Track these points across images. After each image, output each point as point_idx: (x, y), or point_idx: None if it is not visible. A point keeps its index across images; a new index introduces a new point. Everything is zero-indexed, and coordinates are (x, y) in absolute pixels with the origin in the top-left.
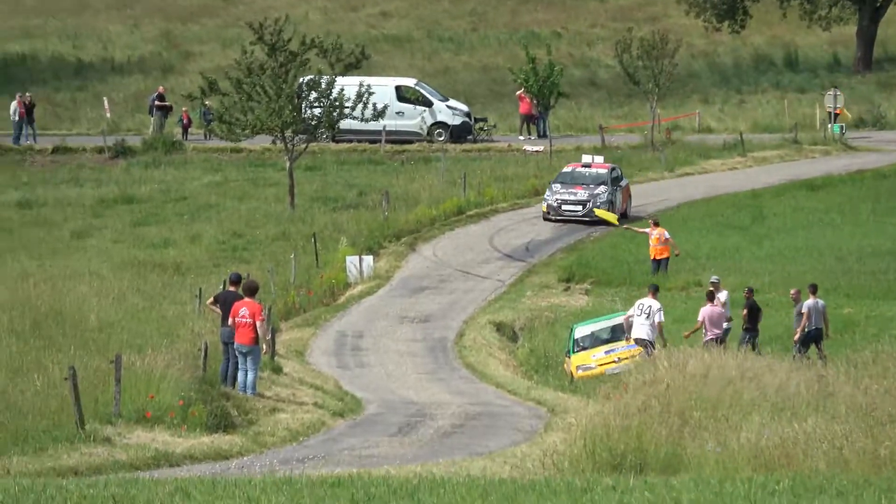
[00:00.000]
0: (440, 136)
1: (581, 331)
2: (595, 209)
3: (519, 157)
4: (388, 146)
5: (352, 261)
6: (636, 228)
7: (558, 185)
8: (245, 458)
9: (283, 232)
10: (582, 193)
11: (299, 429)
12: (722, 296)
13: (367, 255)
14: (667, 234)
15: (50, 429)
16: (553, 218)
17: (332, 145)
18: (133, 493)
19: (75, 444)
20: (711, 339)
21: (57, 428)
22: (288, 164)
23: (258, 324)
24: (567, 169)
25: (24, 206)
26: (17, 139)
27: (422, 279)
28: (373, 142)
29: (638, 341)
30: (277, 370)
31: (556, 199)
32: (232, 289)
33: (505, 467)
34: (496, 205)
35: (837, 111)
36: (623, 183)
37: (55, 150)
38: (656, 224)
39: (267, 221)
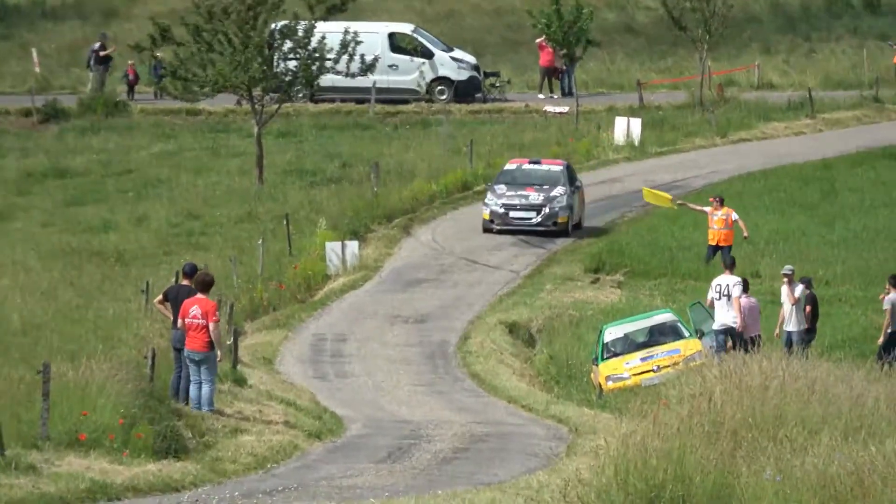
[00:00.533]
0: (442, 95)
1: (612, 333)
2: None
3: (538, 120)
4: (379, 107)
5: (332, 248)
6: (695, 206)
7: (502, 187)
8: (200, 490)
9: (249, 212)
10: (535, 196)
11: (267, 454)
12: (797, 290)
13: (350, 240)
14: (735, 216)
15: None
16: (497, 228)
17: (311, 106)
18: None
19: None
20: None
21: None
22: (256, 130)
23: (212, 326)
24: (510, 166)
25: None
26: None
27: (418, 270)
28: (360, 102)
29: (719, 333)
30: (240, 382)
31: (502, 205)
32: (185, 283)
33: (518, 500)
34: None
35: None
36: (578, 184)
37: None
38: (721, 203)
39: (229, 199)
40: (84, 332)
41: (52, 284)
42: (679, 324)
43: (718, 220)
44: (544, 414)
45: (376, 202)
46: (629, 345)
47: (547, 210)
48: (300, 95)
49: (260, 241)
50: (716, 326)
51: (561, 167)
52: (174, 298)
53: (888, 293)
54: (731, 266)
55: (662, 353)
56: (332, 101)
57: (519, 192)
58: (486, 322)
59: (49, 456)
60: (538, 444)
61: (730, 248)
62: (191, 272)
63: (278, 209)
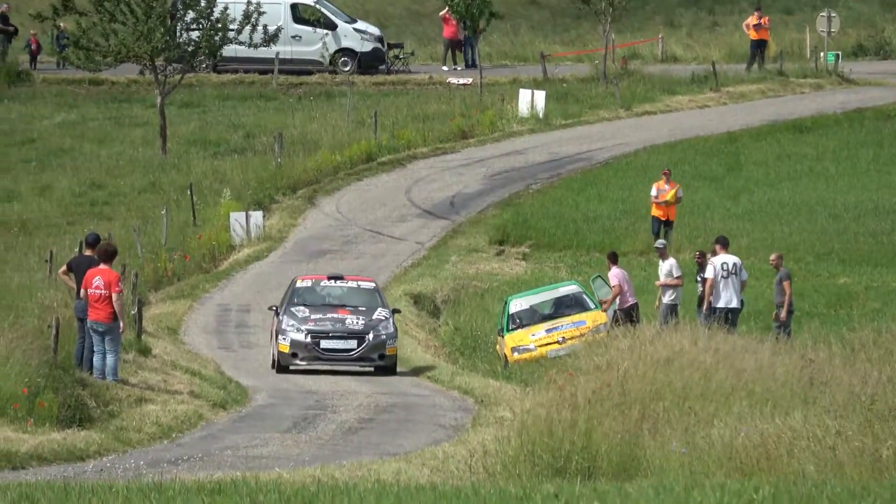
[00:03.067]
0: (346, 67)
1: (517, 304)
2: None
3: (443, 92)
4: (283, 78)
5: (236, 218)
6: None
7: (303, 310)
8: (105, 459)
9: (153, 182)
10: (353, 321)
11: (171, 423)
12: (667, 265)
13: (255, 210)
14: (681, 191)
15: None
16: (303, 365)
17: (214, 76)
18: None
19: None
20: (628, 308)
21: None
22: (159, 100)
23: (114, 296)
24: (303, 283)
25: None
26: None
27: (322, 241)
28: (263, 72)
29: (733, 312)
30: (145, 352)
31: (308, 332)
32: (88, 253)
33: (424, 471)
34: (414, 150)
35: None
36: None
37: None
38: (668, 176)
39: (133, 169)
40: None
41: None
42: (584, 295)
43: (670, 195)
44: (449, 385)
45: (280, 173)
46: (535, 316)
47: (370, 338)
48: (203, 66)
49: (164, 211)
50: (719, 304)
51: (372, 284)
52: (77, 268)
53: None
54: (725, 245)
55: (568, 325)
56: (236, 71)
57: (329, 316)
58: (392, 293)
59: None
60: (444, 415)
61: (672, 223)
62: (94, 242)
63: (182, 179)
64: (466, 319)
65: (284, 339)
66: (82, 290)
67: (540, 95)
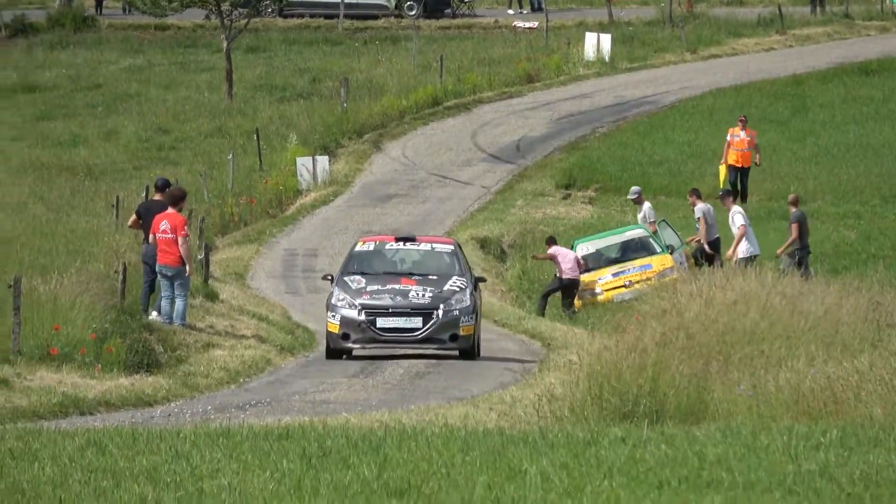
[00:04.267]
0: (411, 10)
1: (583, 248)
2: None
3: (508, 36)
4: (348, 22)
5: (303, 163)
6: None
7: (359, 279)
8: (172, 405)
9: (219, 127)
10: (418, 293)
11: (239, 368)
12: (644, 208)
13: (321, 155)
14: (756, 138)
15: None
16: (356, 348)
17: (280, 21)
18: (36, 446)
19: None
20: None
21: None
22: (225, 45)
23: (180, 240)
24: (364, 246)
25: None
26: None
27: (389, 185)
28: (329, 17)
29: (754, 259)
30: (212, 296)
31: (362, 307)
32: (157, 197)
33: (491, 415)
34: (479, 94)
35: None
36: (479, 278)
37: None
38: (745, 123)
39: (199, 114)
40: (55, 246)
41: (23, 199)
42: (650, 239)
43: (741, 142)
44: (517, 329)
45: (346, 117)
46: (601, 260)
47: (440, 315)
48: (269, 10)
49: (230, 156)
50: (756, 252)
51: (451, 247)
52: (146, 213)
53: (694, 204)
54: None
55: (634, 269)
56: (301, 15)
57: (389, 287)
58: (458, 237)
59: (21, 370)
60: (511, 358)
61: (748, 169)
62: (163, 187)
63: (248, 124)
64: (533, 264)
65: (334, 316)
66: (150, 235)
67: (606, 39)
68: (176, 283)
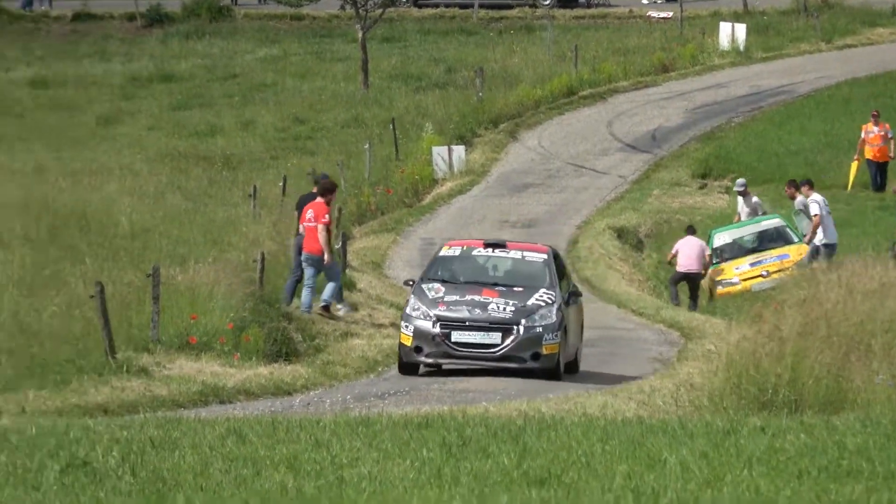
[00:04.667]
0: (546, 0)
1: (720, 238)
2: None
3: (642, 26)
4: (483, 12)
5: (439, 152)
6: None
7: (437, 287)
8: (312, 393)
9: (356, 117)
10: (499, 306)
11: (377, 357)
12: (750, 202)
13: (457, 144)
14: (892, 132)
15: (73, 358)
16: (429, 362)
17: (415, 11)
18: (175, 435)
19: (104, 377)
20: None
21: (82, 357)
22: (360, 35)
23: (319, 227)
24: (448, 252)
25: (39, 85)
26: (27, 4)
27: (525, 175)
28: (464, 6)
29: (833, 247)
30: (350, 286)
31: (438, 319)
32: (314, 191)
33: (630, 404)
34: (615, 83)
35: None
36: (575, 291)
37: (76, 18)
38: (877, 118)
39: (335, 104)
40: (193, 235)
41: (160, 189)
42: (788, 229)
43: (875, 137)
44: (655, 319)
45: (482, 107)
46: (738, 250)
47: (520, 331)
48: (404, 0)
49: (366, 146)
50: (833, 240)
51: (544, 255)
52: (300, 206)
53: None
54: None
55: (772, 258)
56: (436, 5)
57: (469, 297)
58: (595, 227)
59: (160, 359)
60: (649, 348)
61: (886, 164)
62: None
63: (384, 114)
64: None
65: (407, 327)
66: (300, 225)
67: (741, 28)
68: (325, 270)
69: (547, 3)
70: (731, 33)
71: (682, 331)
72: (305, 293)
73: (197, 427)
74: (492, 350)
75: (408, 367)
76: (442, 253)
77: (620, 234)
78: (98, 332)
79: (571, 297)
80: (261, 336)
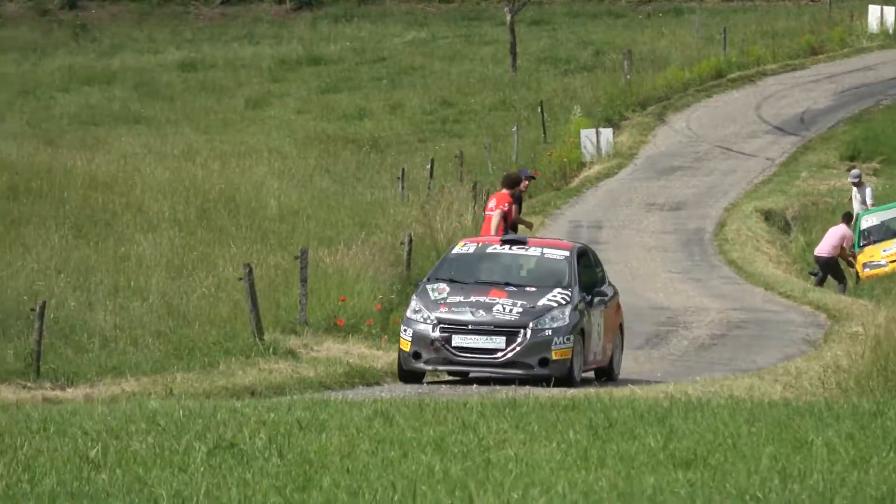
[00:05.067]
0: None
1: (868, 220)
2: None
3: (791, 8)
4: None
5: (587, 135)
6: None
7: (442, 288)
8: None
9: (504, 100)
10: (504, 307)
11: None
12: (863, 192)
13: (605, 127)
14: None
15: (221, 340)
16: (428, 369)
17: None
18: (322, 417)
19: (252, 359)
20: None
21: (229, 339)
22: (508, 18)
23: (497, 213)
24: (461, 249)
25: (188, 68)
26: None
27: (673, 157)
28: None
29: None
30: None
31: (437, 321)
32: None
33: (776, 386)
34: (763, 66)
35: None
36: (610, 293)
37: (225, 1)
38: None
39: (483, 87)
40: (340, 218)
41: (308, 171)
42: None
43: None
44: (802, 301)
45: (630, 90)
46: (886, 232)
47: (527, 335)
48: None
49: (514, 129)
50: None
51: (566, 252)
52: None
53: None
54: None
55: None
56: None
57: (472, 299)
58: (742, 209)
59: (307, 341)
60: (796, 330)
61: None
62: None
63: (532, 97)
64: (817, 235)
65: (406, 331)
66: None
67: (889, 11)
68: None
69: None
70: (881, 16)
71: (828, 313)
72: None
73: (344, 409)
74: (495, 356)
75: (408, 376)
76: (454, 251)
77: (768, 216)
78: (245, 315)
79: (596, 298)
80: None
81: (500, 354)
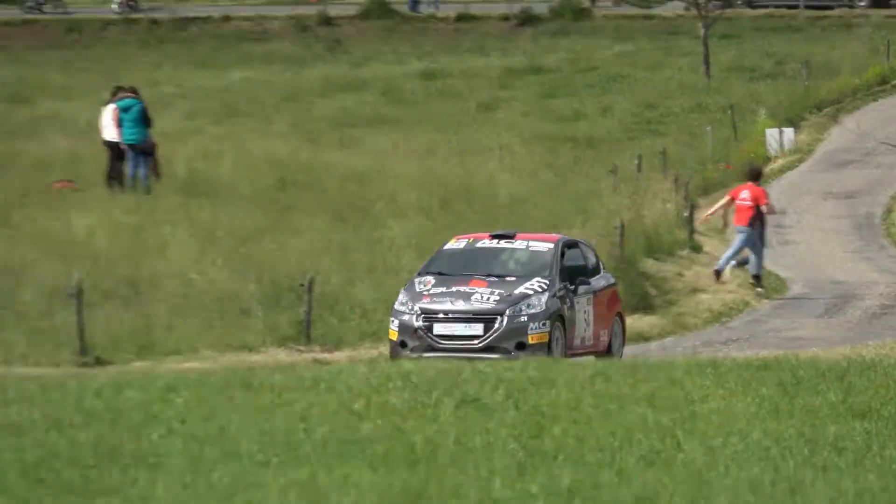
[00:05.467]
0: (861, 2)
1: None
2: None
3: None
4: (808, 11)
5: (771, 133)
6: None
7: (427, 280)
8: (666, 340)
9: (699, 103)
10: (482, 296)
11: (721, 310)
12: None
13: (787, 127)
14: None
15: None
16: (410, 355)
17: (749, 11)
18: (552, 375)
19: None
20: None
21: None
22: (702, 32)
23: (764, 208)
24: (453, 245)
25: (428, 76)
26: (414, 5)
27: (845, 153)
28: (791, 7)
29: None
30: (697, 249)
31: (421, 311)
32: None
33: None
34: None
35: None
36: (602, 283)
37: (459, 18)
38: None
39: (681, 92)
40: (561, 206)
41: (534, 165)
42: None
43: None
44: None
45: (807, 94)
46: None
47: (503, 321)
48: (739, 2)
49: (709, 129)
50: None
51: (551, 245)
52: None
53: None
54: None
55: None
56: (767, 6)
57: (454, 289)
58: None
59: None
60: None
61: None
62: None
63: (723, 100)
64: None
65: (394, 322)
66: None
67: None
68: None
69: (863, 3)
70: None
71: None
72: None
73: (570, 368)
74: (474, 341)
75: (397, 355)
76: (446, 246)
77: None
78: None
79: (581, 286)
80: (625, 293)
81: (478, 340)
